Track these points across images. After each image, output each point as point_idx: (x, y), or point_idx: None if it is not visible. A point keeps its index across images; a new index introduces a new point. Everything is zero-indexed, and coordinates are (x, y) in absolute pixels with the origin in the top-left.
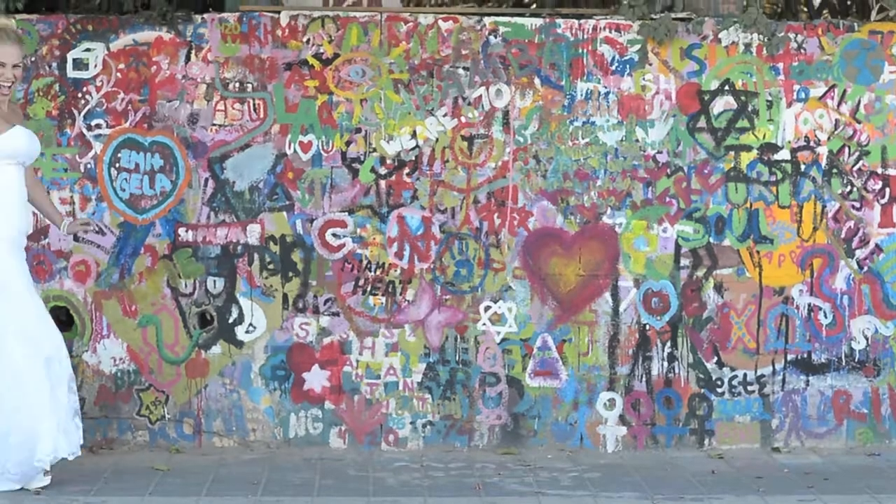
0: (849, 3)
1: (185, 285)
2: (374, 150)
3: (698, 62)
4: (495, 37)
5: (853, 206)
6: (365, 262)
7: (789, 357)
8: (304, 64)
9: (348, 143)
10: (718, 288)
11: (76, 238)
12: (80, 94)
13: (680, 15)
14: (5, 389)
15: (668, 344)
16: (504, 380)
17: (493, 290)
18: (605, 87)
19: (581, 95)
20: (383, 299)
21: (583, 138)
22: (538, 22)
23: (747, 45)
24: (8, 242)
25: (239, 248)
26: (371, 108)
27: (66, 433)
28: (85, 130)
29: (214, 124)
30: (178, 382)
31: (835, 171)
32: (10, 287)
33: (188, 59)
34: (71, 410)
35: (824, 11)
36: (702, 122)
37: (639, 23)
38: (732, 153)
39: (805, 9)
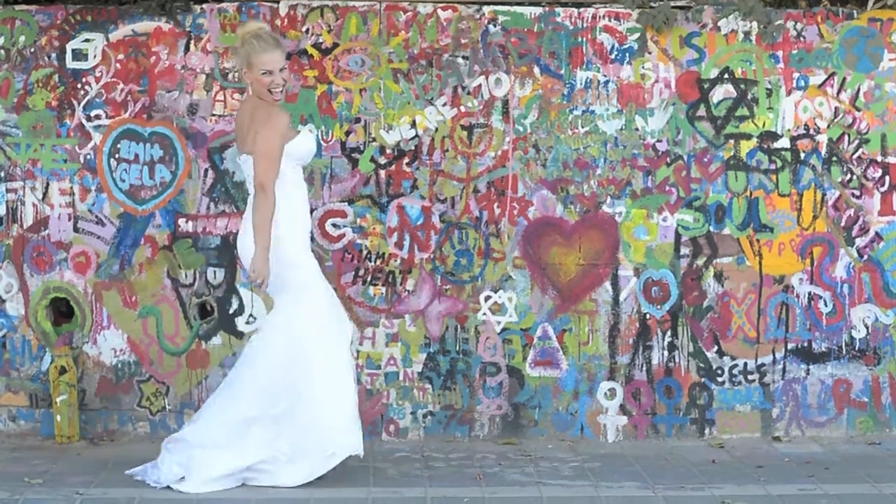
0: None
1: (186, 276)
2: (374, 139)
3: (698, 50)
4: (494, 25)
5: (853, 195)
6: (365, 252)
7: (789, 346)
8: (303, 53)
9: (348, 133)
10: (718, 277)
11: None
12: (79, 85)
13: (679, 3)
14: (306, 383)
15: (669, 333)
16: (504, 369)
17: (493, 280)
18: (605, 76)
19: (580, 84)
20: (383, 289)
21: (582, 127)
22: (537, 11)
23: (746, 34)
24: (304, 241)
25: None
26: (370, 97)
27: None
28: (84, 121)
29: (214, 114)
30: (178, 373)
31: (834, 159)
32: (310, 284)
33: (187, 49)
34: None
35: None
36: (701, 111)
37: (637, 11)
38: (732, 141)
39: None
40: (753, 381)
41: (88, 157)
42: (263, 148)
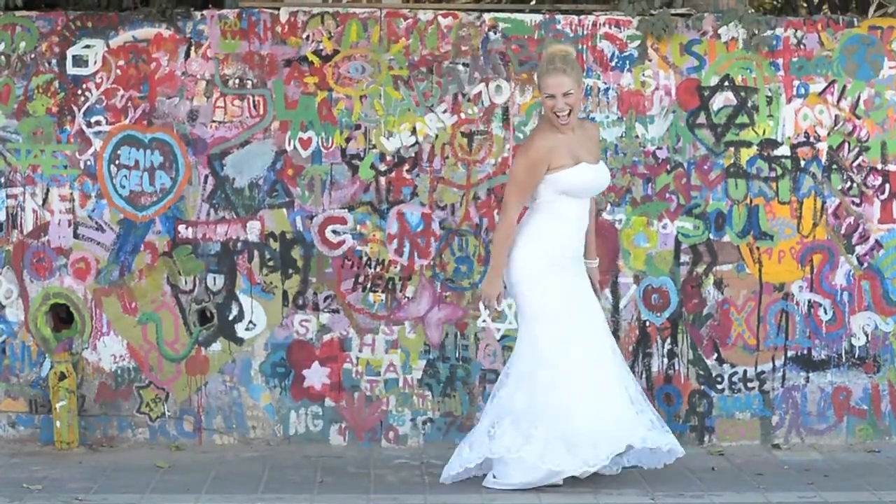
0: None
1: (185, 282)
2: (374, 146)
3: (698, 58)
4: (495, 33)
5: (853, 202)
6: (365, 259)
7: (789, 353)
8: (303, 60)
9: (348, 140)
10: (718, 284)
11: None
12: (79, 91)
13: (679, 11)
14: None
15: (668, 340)
16: None
17: None
18: (605, 83)
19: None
20: (383, 296)
21: None
22: (538, 18)
23: (747, 42)
24: (557, 264)
25: (239, 244)
26: (371, 104)
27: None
28: (85, 127)
29: (214, 121)
30: (178, 380)
31: (834, 166)
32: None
33: (188, 55)
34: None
35: (824, 7)
36: (701, 118)
37: (637, 19)
38: (732, 149)
39: (805, 4)
40: (753, 388)
41: (88, 163)
42: (511, 171)
